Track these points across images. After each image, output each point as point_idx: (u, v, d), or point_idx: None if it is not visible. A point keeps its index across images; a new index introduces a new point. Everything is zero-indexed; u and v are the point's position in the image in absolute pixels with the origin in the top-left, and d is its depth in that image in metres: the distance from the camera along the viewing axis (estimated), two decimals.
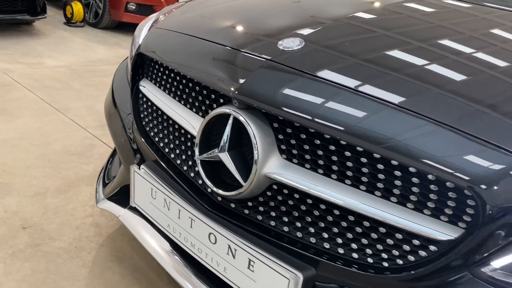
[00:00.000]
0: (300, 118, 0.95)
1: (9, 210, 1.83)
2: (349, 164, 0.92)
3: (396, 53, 1.07)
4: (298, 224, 1.00)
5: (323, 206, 0.97)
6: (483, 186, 0.79)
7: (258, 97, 1.01)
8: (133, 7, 5.55)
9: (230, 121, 1.04)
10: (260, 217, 1.05)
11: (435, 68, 1.01)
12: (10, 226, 1.74)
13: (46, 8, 4.91)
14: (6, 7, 4.43)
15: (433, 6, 1.45)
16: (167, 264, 1.24)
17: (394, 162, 0.87)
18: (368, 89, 0.95)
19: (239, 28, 1.28)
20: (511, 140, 0.82)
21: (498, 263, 0.82)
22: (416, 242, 0.87)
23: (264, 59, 1.07)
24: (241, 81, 1.04)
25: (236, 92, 1.03)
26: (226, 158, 1.05)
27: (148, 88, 1.39)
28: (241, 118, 1.02)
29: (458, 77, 0.99)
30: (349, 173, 0.93)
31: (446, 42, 1.13)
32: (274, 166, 1.01)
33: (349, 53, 1.08)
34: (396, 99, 0.92)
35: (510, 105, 0.91)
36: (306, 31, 1.16)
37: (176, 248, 1.25)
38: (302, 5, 1.41)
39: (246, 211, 1.07)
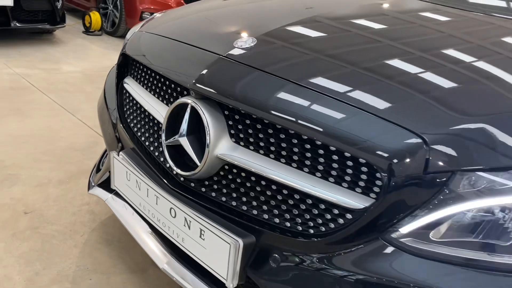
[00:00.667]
0: (245, 106, 1.09)
1: (14, 198, 2.02)
2: (284, 145, 1.06)
3: (326, 51, 1.21)
4: (244, 199, 1.13)
5: (263, 182, 1.10)
6: (388, 161, 0.91)
7: (211, 88, 1.16)
8: (148, 16, 5.79)
9: (188, 110, 1.19)
10: (213, 194, 1.19)
11: (359, 61, 1.14)
12: (14, 211, 1.92)
13: (65, 18, 5.18)
14: (28, 17, 4.71)
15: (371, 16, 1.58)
16: (141, 239, 1.39)
17: (318, 142, 1.00)
18: (299, 79, 1.09)
19: (204, 30, 1.44)
20: (412, 121, 0.95)
21: (404, 229, 0.94)
22: (335, 211, 1.00)
23: (219, 55, 1.22)
24: (198, 74, 1.19)
25: (193, 84, 1.18)
26: (185, 142, 1.20)
27: (130, 85, 1.55)
28: (197, 107, 1.17)
29: (373, 68, 1.12)
30: (284, 153, 1.06)
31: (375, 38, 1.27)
32: (224, 148, 1.15)
33: (291, 51, 1.23)
34: (321, 87, 1.06)
35: (410, 93, 1.04)
36: (260, 33, 1.30)
37: (150, 226, 1.40)
38: (265, 11, 1.56)
39: (203, 189, 1.21)
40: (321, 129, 0.98)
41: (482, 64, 1.20)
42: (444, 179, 0.91)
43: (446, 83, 1.08)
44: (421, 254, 0.93)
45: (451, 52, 1.25)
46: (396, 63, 1.17)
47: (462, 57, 1.22)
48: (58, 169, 2.32)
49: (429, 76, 1.10)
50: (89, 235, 1.84)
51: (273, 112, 1.05)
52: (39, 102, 3.25)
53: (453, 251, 0.93)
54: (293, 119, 1.02)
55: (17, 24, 4.56)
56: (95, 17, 5.88)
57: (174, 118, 1.26)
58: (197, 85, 1.17)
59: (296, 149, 1.04)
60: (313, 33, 1.36)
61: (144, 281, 1.63)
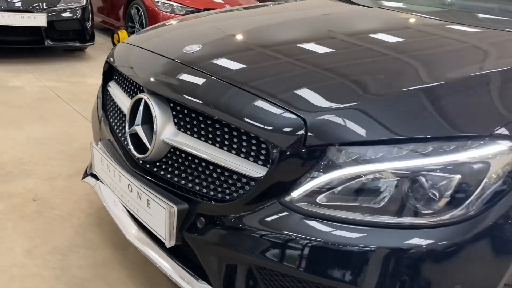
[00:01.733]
0: (181, 98, 1.35)
1: (27, 188, 2.35)
2: (210, 129, 1.30)
3: (244, 54, 1.47)
4: (183, 175, 1.38)
5: (196, 161, 1.35)
6: (275, 138, 1.14)
7: (157, 85, 1.42)
8: None
9: (142, 103, 1.46)
10: (162, 172, 1.44)
11: (263, 59, 1.39)
12: (24, 198, 2.25)
13: (95, 36, 5.64)
14: (60, 36, 5.19)
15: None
16: (114, 215, 1.66)
17: (232, 126, 1.24)
18: (217, 73, 1.35)
19: (167, 41, 1.71)
20: (295, 105, 1.17)
21: (294, 194, 1.16)
22: (243, 180, 1.23)
23: (167, 58, 1.49)
24: (149, 74, 1.46)
25: (144, 82, 1.45)
26: (140, 130, 1.47)
27: (112, 87, 1.84)
28: (148, 101, 1.43)
29: (272, 66, 1.36)
30: (210, 136, 1.31)
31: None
32: (169, 134, 1.41)
33: (223, 53, 1.49)
34: (233, 79, 1.31)
35: (296, 82, 1.27)
36: (205, 41, 1.56)
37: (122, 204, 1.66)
38: (222, 26, 1.84)
39: (155, 169, 1.47)
40: (232, 114, 1.22)
41: (356, 55, 1.44)
42: (321, 152, 1.13)
43: (324, 74, 1.32)
44: (309, 214, 1.15)
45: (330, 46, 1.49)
46: (287, 60, 1.42)
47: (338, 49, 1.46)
48: (69, 166, 2.64)
49: (313, 67, 1.34)
50: (85, 219, 2.13)
51: (199, 102, 1.30)
52: (62, 110, 3.63)
53: (334, 212, 1.13)
54: (212, 107, 1.26)
55: (50, 42, 5.03)
56: (123, 35, 6.33)
57: (135, 112, 1.53)
58: (147, 82, 1.44)
59: (218, 132, 1.28)
60: (240, 42, 1.62)
61: (124, 256, 1.90)
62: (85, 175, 2.04)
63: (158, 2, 5.99)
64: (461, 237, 1.06)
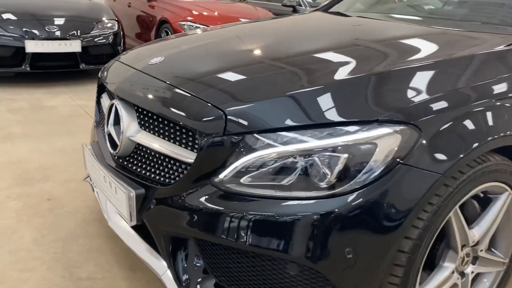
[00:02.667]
0: (140, 101, 1.61)
1: (44, 190, 2.69)
2: (160, 124, 1.56)
3: (190, 61, 1.74)
4: (143, 166, 1.64)
5: (152, 153, 1.60)
6: (200, 127, 1.38)
7: (124, 92, 1.70)
8: None
9: (114, 108, 1.74)
10: (129, 165, 1.71)
11: (200, 65, 1.63)
12: (40, 198, 2.59)
13: None
14: (94, 59, 5.68)
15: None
16: (101, 205, 1.93)
17: (172, 119, 1.48)
18: (167, 79, 1.61)
19: (143, 55, 2.00)
20: (218, 99, 1.40)
21: (221, 175, 1.38)
22: (183, 166, 1.46)
23: (134, 69, 1.77)
24: (119, 83, 1.75)
25: (114, 90, 1.73)
26: (112, 130, 1.75)
27: (103, 98, 2.15)
28: (117, 106, 1.71)
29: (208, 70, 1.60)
30: (160, 130, 1.56)
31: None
32: (132, 132, 1.67)
33: (176, 63, 1.75)
34: (174, 82, 1.57)
35: (222, 81, 1.51)
36: (169, 54, 1.83)
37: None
38: (189, 40, 2.10)
39: (125, 163, 1.74)
40: (170, 110, 1.48)
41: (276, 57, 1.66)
42: (240, 138, 1.35)
43: (241, 74, 1.56)
44: (236, 193, 1.36)
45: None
46: (219, 64, 1.66)
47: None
48: (84, 172, 2.98)
49: (238, 69, 1.58)
50: (88, 215, 2.43)
51: (150, 102, 1.56)
52: (88, 125, 4.02)
53: (255, 190, 1.34)
54: (159, 105, 1.52)
55: (84, 66, 5.53)
56: None
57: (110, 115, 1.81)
58: (117, 89, 1.72)
59: (165, 127, 1.54)
60: (192, 53, 1.91)
61: (116, 245, 2.17)
62: (87, 175, 2.35)
63: (184, 25, 6.40)
64: (350, 207, 1.24)
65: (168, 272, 1.52)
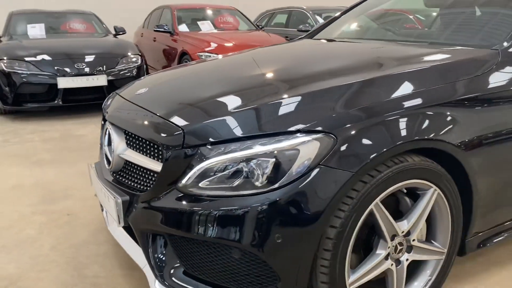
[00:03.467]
0: (127, 126, 1.98)
1: (64, 206, 3.10)
2: (139, 142, 1.91)
3: (164, 89, 2.09)
4: (129, 177, 1.99)
5: (134, 165, 1.95)
6: (163, 141, 1.72)
7: (112, 118, 2.08)
8: None
9: (107, 131, 2.11)
10: (120, 178, 2.06)
11: (172, 92, 1.98)
12: (61, 213, 2.99)
13: None
14: None
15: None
16: (115, 235, 2.29)
17: (144, 137, 1.83)
18: (143, 104, 1.97)
19: (134, 88, 2.38)
20: (178, 118, 1.74)
21: (183, 181, 1.70)
22: (154, 174, 1.80)
23: (123, 99, 2.15)
24: (112, 110, 2.12)
25: (108, 117, 2.11)
26: (106, 150, 2.12)
27: (106, 124, 2.53)
28: (109, 129, 2.08)
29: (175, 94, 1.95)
30: (139, 147, 1.91)
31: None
32: (121, 150, 2.03)
33: (154, 92, 2.12)
34: (145, 106, 1.92)
35: (182, 103, 1.85)
36: (155, 85, 2.20)
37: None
38: (175, 73, 2.47)
39: (118, 176, 2.09)
40: (142, 128, 1.84)
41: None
42: (195, 150, 1.67)
43: (199, 97, 1.91)
44: (197, 195, 1.67)
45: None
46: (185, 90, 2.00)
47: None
48: None
49: (199, 96, 1.94)
50: (99, 226, 2.80)
51: (129, 124, 1.93)
52: None
53: (211, 192, 1.65)
54: (135, 127, 1.88)
55: None
56: None
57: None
58: (109, 116, 2.10)
59: (141, 144, 1.89)
60: (168, 83, 2.28)
61: (120, 250, 2.51)
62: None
63: (202, 55, 6.86)
64: (279, 201, 1.53)
65: (150, 269, 1.84)
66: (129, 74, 6.24)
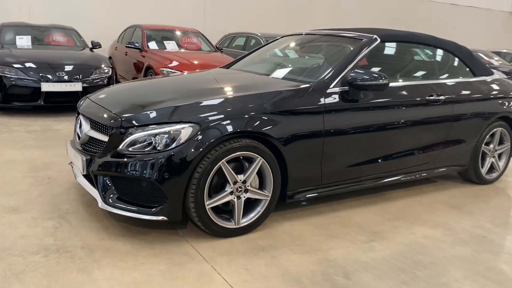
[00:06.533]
0: (92, 116, 3.38)
1: (46, 174, 4.42)
2: (96, 125, 3.31)
3: (119, 93, 3.53)
4: (91, 145, 3.37)
5: (94, 139, 3.34)
6: (109, 123, 3.12)
7: (84, 111, 3.48)
8: None
9: (79, 120, 3.51)
10: (86, 147, 3.44)
11: (137, 95, 3.42)
12: (43, 177, 4.32)
13: None
14: None
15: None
16: (73, 171, 3.67)
17: (99, 121, 3.23)
18: (101, 104, 3.38)
19: (99, 93, 3.77)
20: (120, 110, 3.16)
21: (121, 146, 3.10)
22: (104, 144, 3.20)
23: (90, 100, 3.56)
24: (83, 106, 3.53)
25: (81, 110, 3.51)
26: (78, 131, 3.52)
27: (79, 116, 3.92)
28: (81, 118, 3.48)
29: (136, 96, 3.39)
30: (96, 127, 3.31)
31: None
32: (87, 130, 3.43)
33: (109, 95, 3.55)
34: (102, 103, 3.34)
35: (124, 100, 3.28)
36: (112, 91, 3.62)
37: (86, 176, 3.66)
38: (135, 84, 3.91)
39: (84, 146, 3.47)
40: (98, 116, 3.24)
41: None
42: (128, 130, 3.08)
43: (142, 99, 3.33)
44: (128, 155, 3.08)
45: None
46: (132, 93, 3.44)
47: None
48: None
49: (137, 97, 3.36)
50: (71, 184, 4.14)
51: (92, 115, 3.34)
52: None
53: (135, 153, 3.06)
54: (95, 115, 3.29)
55: None
56: None
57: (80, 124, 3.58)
58: (81, 110, 3.51)
59: (97, 126, 3.29)
60: (125, 89, 3.69)
61: (85, 195, 3.87)
62: (70, 161, 4.10)
63: (163, 70, 8.26)
64: (168, 157, 2.96)
65: (99, 197, 3.21)
66: (101, 82, 7.57)
